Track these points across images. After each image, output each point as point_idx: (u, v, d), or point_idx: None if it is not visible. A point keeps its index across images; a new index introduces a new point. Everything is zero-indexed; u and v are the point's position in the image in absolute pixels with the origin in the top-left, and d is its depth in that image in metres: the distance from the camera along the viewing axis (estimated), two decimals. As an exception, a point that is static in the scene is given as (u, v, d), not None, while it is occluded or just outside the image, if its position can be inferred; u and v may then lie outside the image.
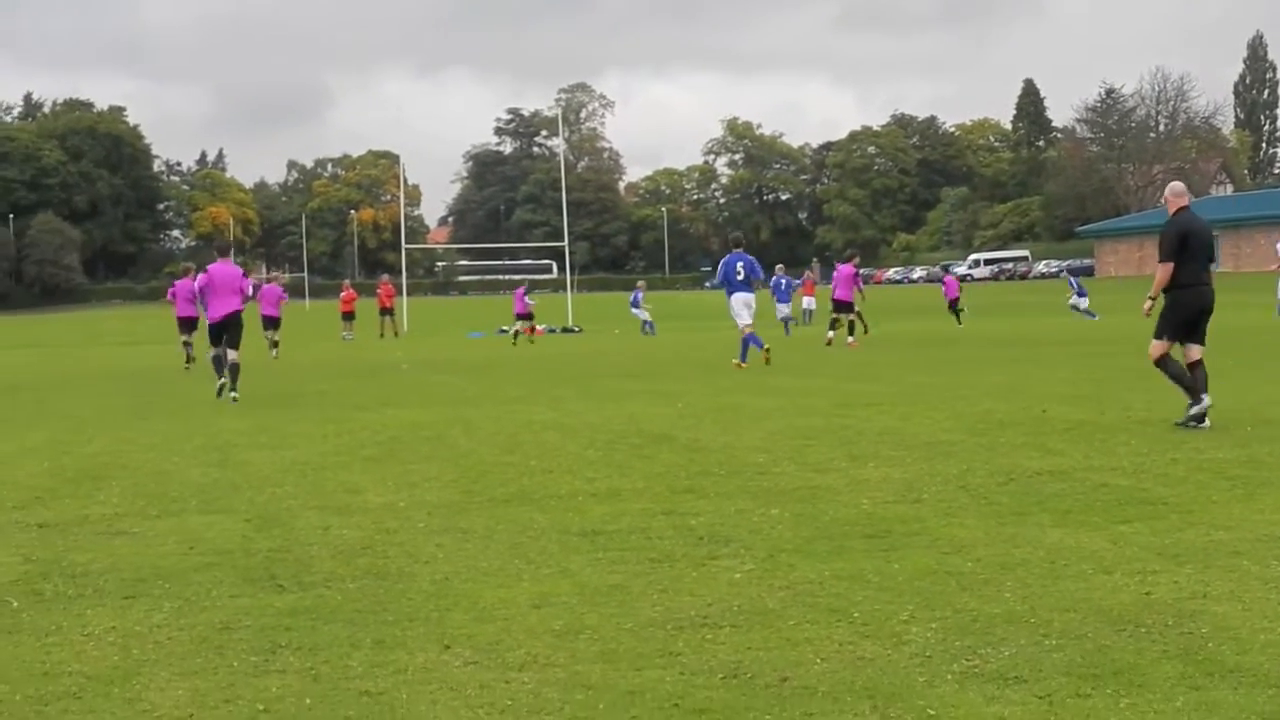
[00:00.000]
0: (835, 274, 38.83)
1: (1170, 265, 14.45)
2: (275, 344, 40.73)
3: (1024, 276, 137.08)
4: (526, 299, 50.86)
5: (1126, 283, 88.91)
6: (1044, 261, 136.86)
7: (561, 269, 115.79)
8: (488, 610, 7.32)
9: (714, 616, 7.04)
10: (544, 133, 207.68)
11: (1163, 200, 15.14)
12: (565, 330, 61.18)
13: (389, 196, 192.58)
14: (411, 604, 7.50)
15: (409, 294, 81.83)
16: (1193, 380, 14.38)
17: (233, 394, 22.12)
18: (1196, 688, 5.66)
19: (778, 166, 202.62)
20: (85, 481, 12.71)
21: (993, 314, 59.25)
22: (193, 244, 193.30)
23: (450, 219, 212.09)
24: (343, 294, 57.60)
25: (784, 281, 51.63)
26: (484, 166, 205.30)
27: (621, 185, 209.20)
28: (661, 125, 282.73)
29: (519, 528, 9.64)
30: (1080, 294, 51.77)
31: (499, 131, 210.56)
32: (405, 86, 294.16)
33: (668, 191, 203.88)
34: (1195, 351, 14.57)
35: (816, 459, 12.65)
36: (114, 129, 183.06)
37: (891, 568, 8.02)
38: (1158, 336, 14.70)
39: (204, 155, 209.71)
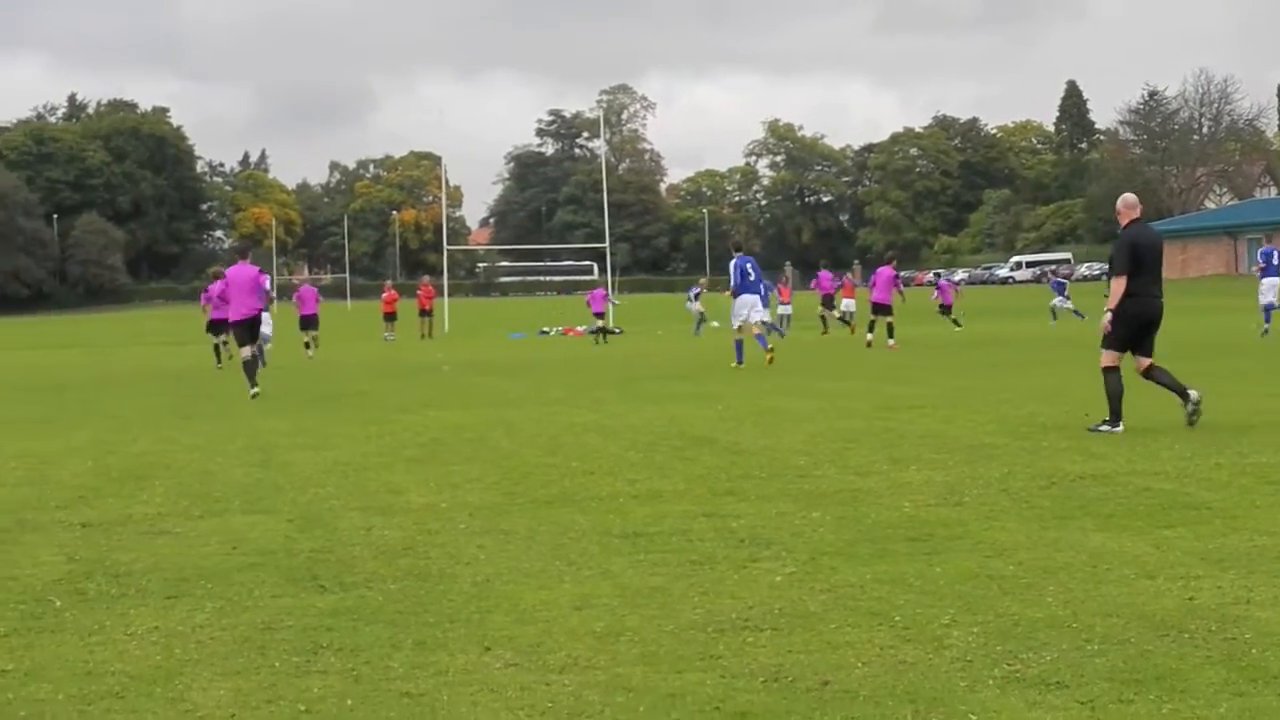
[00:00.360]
0: (874, 276, 39.15)
1: (1124, 278, 14.57)
2: (312, 344, 41.02)
3: (1067, 278, 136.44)
4: (608, 300, 51.56)
5: (1169, 285, 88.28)
6: (1086, 264, 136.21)
7: (603, 270, 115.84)
8: (529, 612, 7.32)
9: (755, 619, 7.02)
10: (585, 134, 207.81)
11: (1115, 212, 15.29)
12: (606, 332, 61.16)
13: (431, 198, 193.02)
14: (453, 605, 7.51)
15: (450, 295, 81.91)
16: (1121, 403, 14.56)
17: (256, 389, 23.05)
18: (1240, 694, 5.63)
19: (819, 168, 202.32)
20: (129, 481, 12.78)
21: (1036, 316, 58.96)
22: (235, 245, 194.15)
23: (491, 220, 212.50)
24: (384, 295, 57.84)
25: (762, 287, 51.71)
26: (525, 168, 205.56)
27: (663, 187, 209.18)
28: (703, 126, 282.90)
29: (560, 529, 9.65)
30: (1062, 296, 52.82)
31: (540, 133, 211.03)
32: (447, 88, 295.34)
33: (709, 193, 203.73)
34: (1144, 363, 14.83)
35: (858, 462, 12.63)
36: (158, 130, 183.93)
37: (933, 571, 8.00)
38: (1106, 347, 14.85)
39: (247, 156, 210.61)
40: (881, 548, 8.72)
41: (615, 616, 7.16)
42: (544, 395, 22.08)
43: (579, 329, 61.20)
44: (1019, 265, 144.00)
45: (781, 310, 56.68)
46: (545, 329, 63.31)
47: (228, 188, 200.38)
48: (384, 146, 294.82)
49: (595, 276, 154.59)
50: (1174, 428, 14.48)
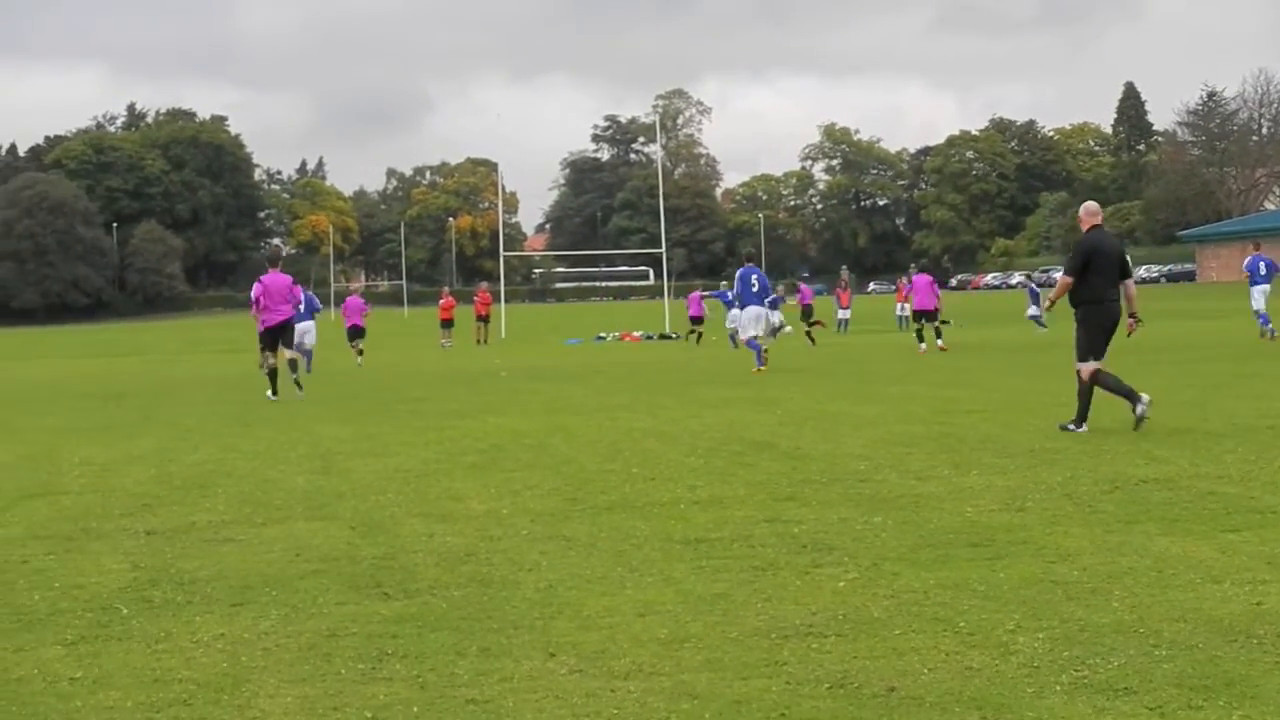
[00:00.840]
0: (913, 284, 39.91)
1: (1070, 279, 15.28)
2: (360, 352, 41.48)
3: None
4: (704, 302, 51.57)
5: (1228, 288, 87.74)
6: (1144, 266, 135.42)
7: (658, 275, 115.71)
8: (592, 618, 7.33)
9: (819, 625, 7.01)
10: (641, 139, 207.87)
11: (1077, 218, 16.09)
12: (663, 337, 61.15)
13: (487, 204, 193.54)
14: (516, 611, 7.53)
15: (506, 301, 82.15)
16: (1125, 384, 15.04)
17: (297, 385, 25.02)
18: (1311, 700, 5.59)
19: (875, 172, 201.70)
20: (191, 489, 12.85)
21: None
22: (293, 252, 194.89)
23: (547, 226, 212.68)
24: (441, 301, 57.95)
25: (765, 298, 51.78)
26: (581, 173, 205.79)
27: (718, 191, 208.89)
28: (758, 130, 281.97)
29: (622, 535, 9.65)
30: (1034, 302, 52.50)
31: (596, 138, 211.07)
32: (503, 93, 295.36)
33: (764, 197, 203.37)
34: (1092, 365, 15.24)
35: (918, 466, 12.59)
36: (215, 138, 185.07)
37: (997, 576, 7.97)
38: (1082, 359, 15.30)
39: (304, 164, 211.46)
40: (944, 553, 8.69)
41: (679, 623, 7.16)
42: (602, 401, 22.08)
43: (635, 334, 61.24)
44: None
45: (841, 315, 56.71)
46: (602, 334, 63.32)
47: (285, 195, 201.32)
48: (440, 153, 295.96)
49: (651, 282, 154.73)
50: (1238, 431, 14.41)
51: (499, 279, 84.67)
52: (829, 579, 8.07)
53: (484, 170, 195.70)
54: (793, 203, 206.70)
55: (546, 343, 59.57)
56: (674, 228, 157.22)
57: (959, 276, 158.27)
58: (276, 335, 24.69)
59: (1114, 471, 11.86)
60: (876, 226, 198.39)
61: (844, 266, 76.93)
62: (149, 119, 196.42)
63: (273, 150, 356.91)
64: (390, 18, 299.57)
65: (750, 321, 29.70)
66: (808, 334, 47.33)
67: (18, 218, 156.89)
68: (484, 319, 57.93)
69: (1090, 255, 15.25)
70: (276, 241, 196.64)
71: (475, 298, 59.73)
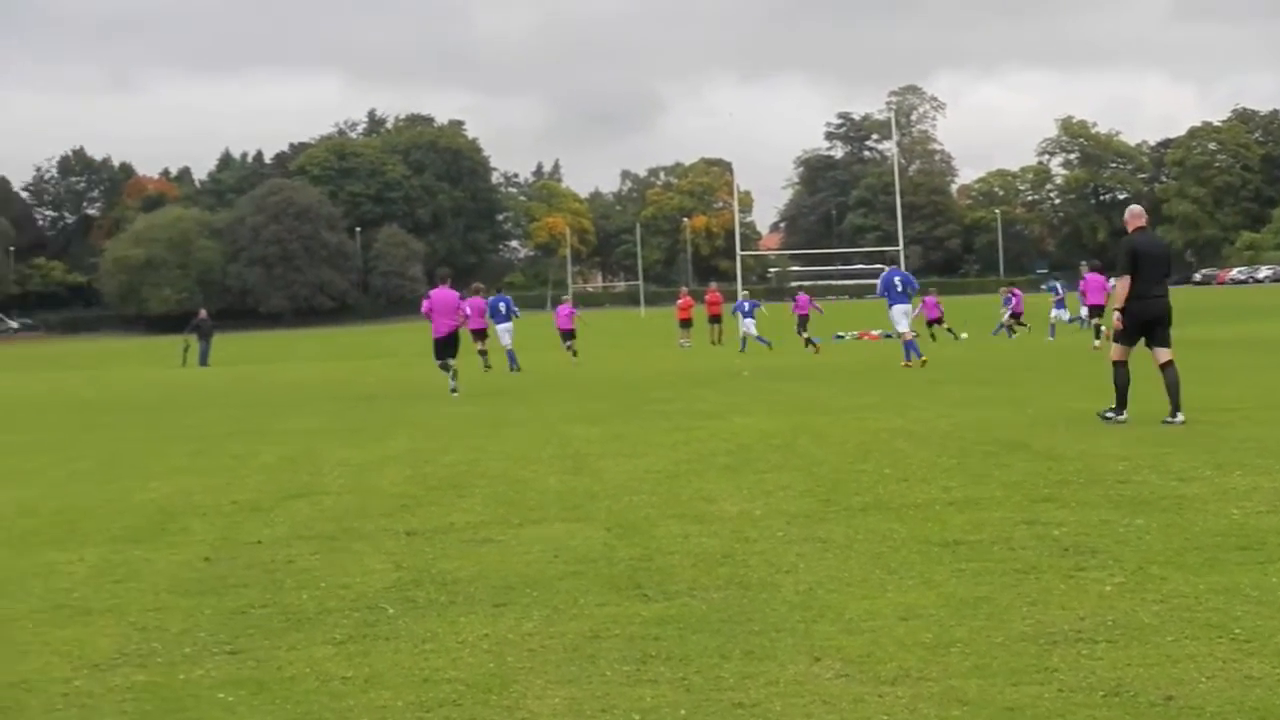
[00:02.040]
0: (1083, 282, 42.12)
1: (1128, 279, 16.33)
2: (574, 352, 44.71)
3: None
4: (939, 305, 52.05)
5: None
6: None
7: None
8: (855, 622, 7.27)
9: (1088, 631, 6.87)
10: (875, 136, 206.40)
11: (1123, 220, 17.33)
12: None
13: (721, 203, 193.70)
14: (777, 614, 7.50)
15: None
16: (1127, 394, 16.46)
17: (455, 389, 27.42)
18: None
19: (1114, 165, 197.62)
20: (447, 490, 13.03)
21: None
22: (531, 254, 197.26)
23: (782, 224, 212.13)
24: (680, 301, 58.16)
25: (747, 305, 52.78)
26: (815, 171, 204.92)
27: (953, 188, 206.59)
28: (993, 125, 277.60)
29: (878, 537, 9.57)
30: (1059, 305, 51.48)
31: (829, 136, 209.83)
32: (735, 92, 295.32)
33: (1001, 193, 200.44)
34: (1163, 354, 16.39)
35: (1179, 467, 12.28)
36: (454, 142, 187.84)
37: (1269, 581, 7.74)
38: (1116, 340, 16.74)
39: (540, 166, 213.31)
40: (1212, 556, 8.47)
41: (943, 627, 7.07)
42: (848, 401, 21.95)
43: (874, 333, 60.74)
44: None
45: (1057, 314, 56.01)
46: (840, 334, 62.91)
47: (522, 198, 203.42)
48: (673, 153, 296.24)
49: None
50: None
51: (734, 278, 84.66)
52: (1094, 583, 7.91)
53: (717, 170, 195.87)
54: (1030, 198, 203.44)
55: (785, 342, 59.37)
56: (909, 225, 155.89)
57: (1203, 271, 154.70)
58: (447, 344, 27.93)
59: (1386, 472, 11.48)
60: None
61: (1083, 262, 75.65)
62: (389, 125, 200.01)
63: (509, 153, 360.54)
64: (623, 20, 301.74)
65: (900, 318, 32.47)
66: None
67: (265, 223, 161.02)
68: (716, 319, 57.92)
69: (1135, 255, 16.28)
70: (515, 243, 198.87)
71: (706, 298, 59.76)
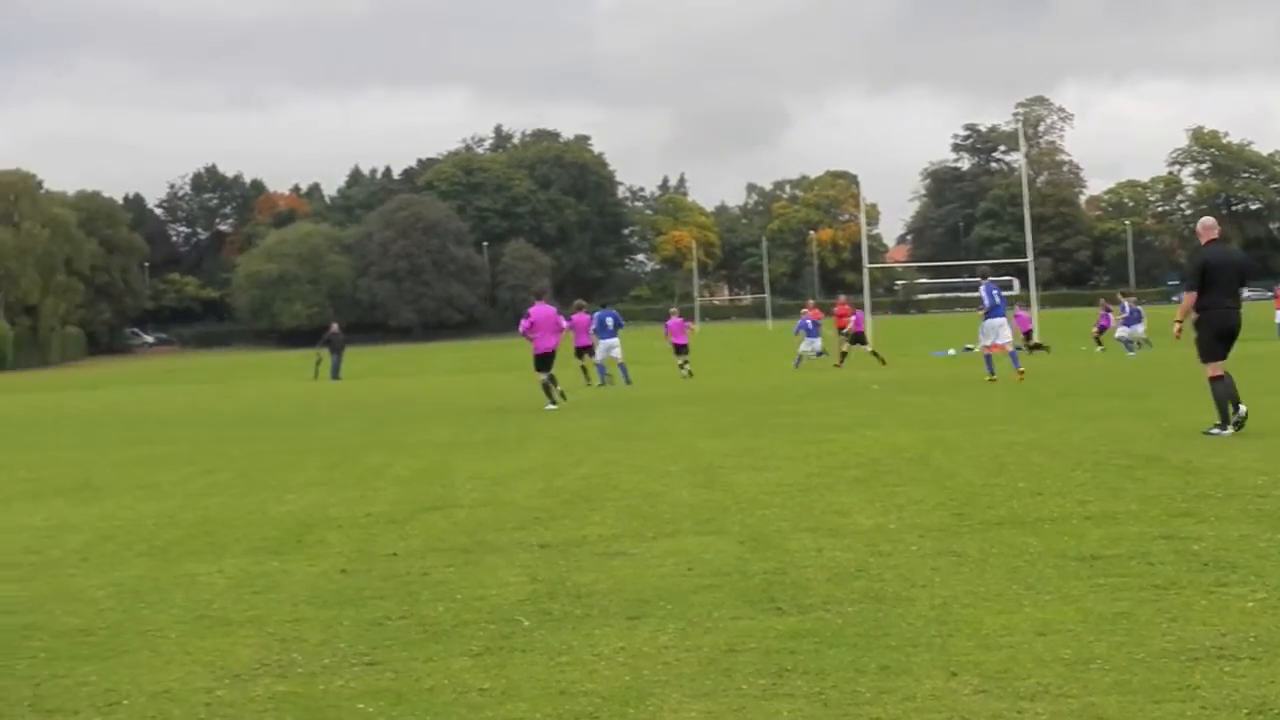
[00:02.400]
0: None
1: (1192, 294, 16.59)
2: (685, 365, 45.48)
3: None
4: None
5: None
6: None
7: (1023, 285, 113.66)
8: (991, 637, 7.21)
9: (1230, 648, 6.77)
10: (1002, 147, 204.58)
11: (1195, 233, 17.34)
12: (1033, 349, 60.04)
13: (847, 216, 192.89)
14: (913, 629, 7.45)
15: (871, 313, 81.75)
16: (1228, 408, 16.33)
17: (552, 405, 28.32)
18: None
19: (1246, 175, 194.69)
20: (579, 502, 13.08)
21: None
22: (656, 267, 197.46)
23: (909, 237, 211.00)
24: (807, 313, 57.91)
25: (810, 323, 52.72)
26: (942, 183, 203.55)
27: (1082, 199, 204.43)
28: (1122, 135, 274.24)
29: (1014, 552, 9.49)
30: (1127, 322, 50.76)
31: (956, 148, 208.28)
32: (860, 105, 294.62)
33: (1130, 204, 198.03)
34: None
35: (1320, 482, 12.10)
36: (580, 157, 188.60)
37: None
38: (1204, 361, 16.66)
39: (665, 180, 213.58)
40: (1359, 573, 8.34)
41: (1081, 643, 7.00)
42: (978, 413, 21.80)
43: (1002, 345, 60.16)
44: None
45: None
46: (969, 346, 62.42)
47: (648, 212, 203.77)
48: (799, 166, 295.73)
49: (1016, 292, 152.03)
50: None
51: (861, 291, 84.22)
52: (1236, 599, 7.80)
53: (843, 183, 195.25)
54: (1160, 209, 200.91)
55: (913, 354, 59.12)
56: (1037, 236, 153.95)
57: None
58: (547, 359, 29.01)
59: None
60: (1249, 231, 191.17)
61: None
62: (515, 140, 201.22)
63: (635, 168, 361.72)
64: (748, 33, 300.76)
65: (1002, 329, 33.02)
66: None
67: (394, 238, 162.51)
68: (844, 331, 57.63)
69: (1204, 268, 16.42)
70: (640, 257, 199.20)
71: (834, 310, 59.51)
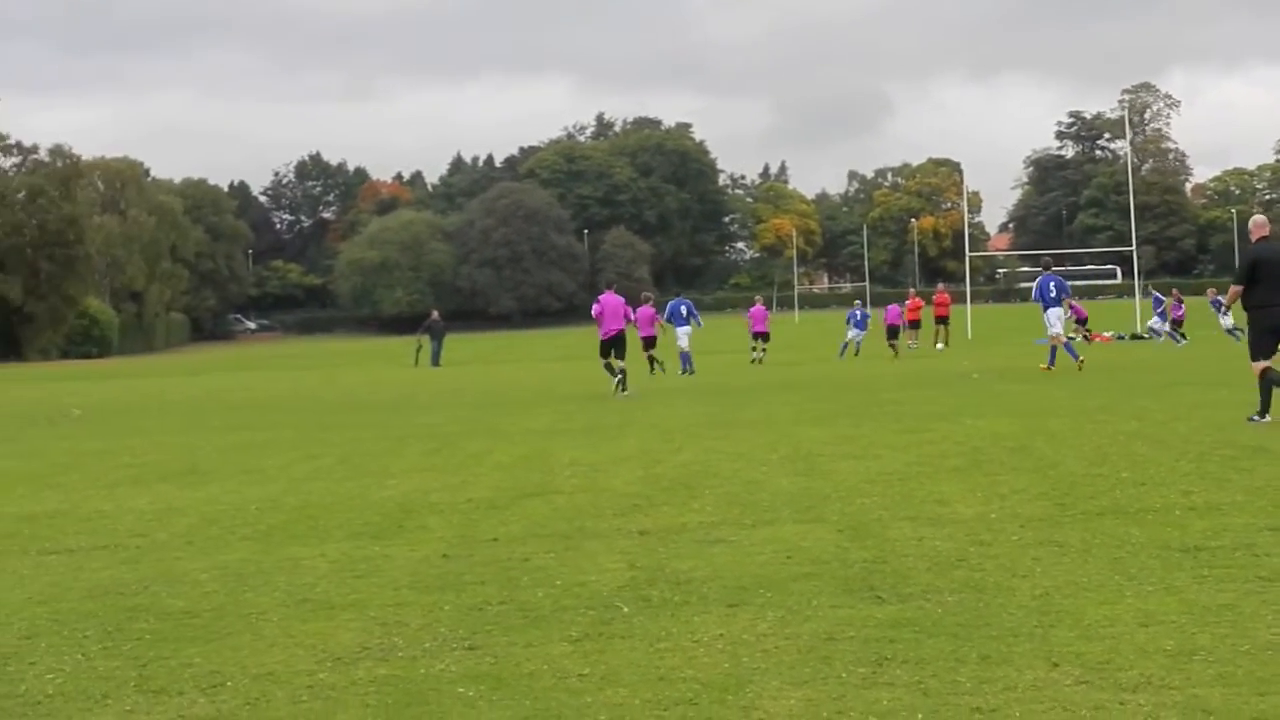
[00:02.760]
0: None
1: (1239, 287, 17.30)
2: (760, 352, 47.59)
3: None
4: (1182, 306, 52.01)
5: None
6: None
7: (1126, 274, 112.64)
8: (1093, 628, 7.16)
9: (1338, 641, 6.70)
10: (1106, 135, 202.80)
11: (1248, 230, 18.02)
12: (1134, 337, 59.57)
13: (949, 204, 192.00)
14: (1013, 619, 7.41)
15: (971, 301, 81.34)
16: (1270, 397, 16.92)
17: (624, 392, 29.16)
18: None
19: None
20: (679, 490, 13.08)
21: None
22: (756, 255, 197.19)
23: (1010, 225, 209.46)
24: (908, 302, 57.74)
25: (859, 314, 53.51)
26: (1045, 171, 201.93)
27: (1187, 187, 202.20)
28: (1230, 122, 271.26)
29: (1116, 542, 9.41)
30: (1160, 315, 50.14)
31: (1060, 135, 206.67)
32: (962, 92, 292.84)
33: (1237, 192, 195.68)
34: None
35: None
36: (681, 145, 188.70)
37: None
38: (1253, 359, 17.27)
39: (766, 168, 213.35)
40: None
41: (1185, 635, 6.93)
42: (1079, 402, 21.62)
43: (1105, 335, 59.74)
44: None
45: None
46: (1071, 335, 62.03)
47: (749, 200, 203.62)
48: (901, 154, 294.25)
49: (1118, 281, 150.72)
50: None
51: (963, 279, 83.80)
52: (1344, 592, 7.71)
53: (945, 170, 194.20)
54: (1267, 197, 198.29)
55: (1014, 343, 58.66)
56: (1141, 225, 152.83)
57: None
58: (612, 345, 30.20)
59: None
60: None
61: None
62: (617, 128, 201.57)
63: (735, 155, 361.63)
64: (851, 21, 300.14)
65: (1055, 321, 33.44)
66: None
67: (495, 226, 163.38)
68: (944, 320, 57.42)
69: (1254, 265, 16.96)
70: (740, 245, 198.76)
71: (934, 299, 59.25)
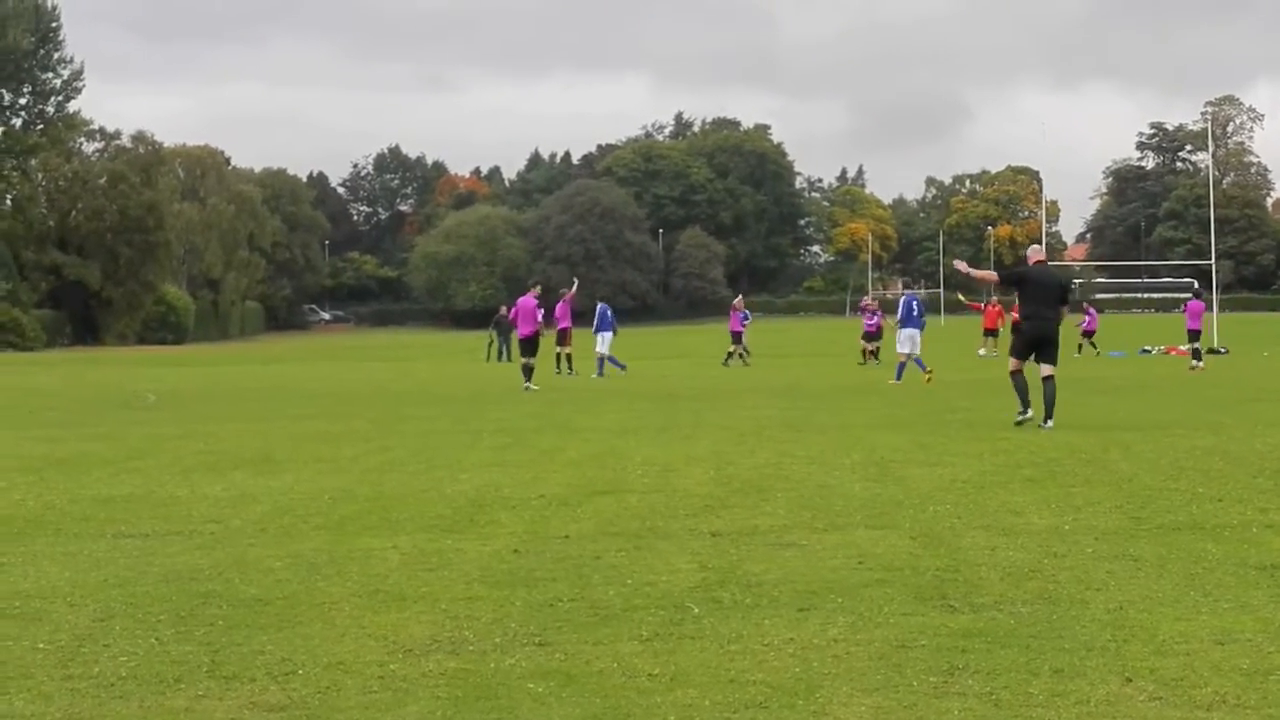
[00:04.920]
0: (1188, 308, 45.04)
1: (996, 276, 24.93)
2: (872, 354, 48.21)
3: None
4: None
5: None
6: None
7: (1204, 288, 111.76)
8: (1167, 643, 7.11)
9: None
10: (1188, 147, 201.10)
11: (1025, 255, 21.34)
12: (1210, 352, 59.01)
13: (1027, 213, 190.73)
14: (1087, 632, 7.37)
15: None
16: (1028, 395, 19.54)
17: (532, 386, 32.75)
18: None
19: None
20: (751, 492, 13.08)
21: None
22: (831, 259, 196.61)
23: (1088, 235, 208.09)
24: (986, 309, 57.43)
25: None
26: (1124, 182, 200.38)
27: (1269, 201, 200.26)
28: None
29: (1192, 558, 9.35)
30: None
31: (1141, 146, 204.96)
32: (1043, 100, 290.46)
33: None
34: (1045, 369, 19.66)
35: None
36: (758, 146, 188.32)
37: None
38: (1011, 354, 20.10)
39: (844, 171, 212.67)
40: None
41: (1261, 653, 6.89)
42: (1156, 416, 21.51)
43: (1182, 348, 59.23)
44: None
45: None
46: (1147, 348, 61.57)
47: (825, 203, 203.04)
48: (979, 160, 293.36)
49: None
50: None
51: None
52: None
53: (1024, 179, 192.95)
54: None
55: (1088, 354, 58.27)
56: (1221, 238, 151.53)
57: None
58: (526, 344, 33.67)
59: None
60: None
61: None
62: (695, 128, 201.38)
63: (813, 158, 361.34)
64: (931, 25, 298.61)
65: (908, 341, 35.31)
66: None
67: (570, 223, 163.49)
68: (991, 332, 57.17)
69: (1022, 280, 19.73)
70: (816, 248, 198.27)
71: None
